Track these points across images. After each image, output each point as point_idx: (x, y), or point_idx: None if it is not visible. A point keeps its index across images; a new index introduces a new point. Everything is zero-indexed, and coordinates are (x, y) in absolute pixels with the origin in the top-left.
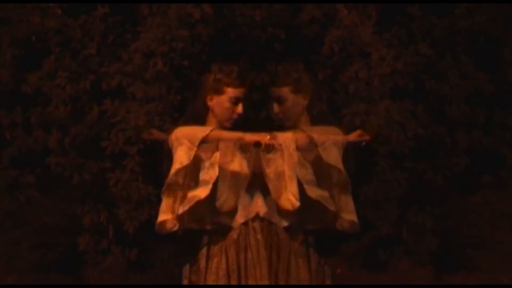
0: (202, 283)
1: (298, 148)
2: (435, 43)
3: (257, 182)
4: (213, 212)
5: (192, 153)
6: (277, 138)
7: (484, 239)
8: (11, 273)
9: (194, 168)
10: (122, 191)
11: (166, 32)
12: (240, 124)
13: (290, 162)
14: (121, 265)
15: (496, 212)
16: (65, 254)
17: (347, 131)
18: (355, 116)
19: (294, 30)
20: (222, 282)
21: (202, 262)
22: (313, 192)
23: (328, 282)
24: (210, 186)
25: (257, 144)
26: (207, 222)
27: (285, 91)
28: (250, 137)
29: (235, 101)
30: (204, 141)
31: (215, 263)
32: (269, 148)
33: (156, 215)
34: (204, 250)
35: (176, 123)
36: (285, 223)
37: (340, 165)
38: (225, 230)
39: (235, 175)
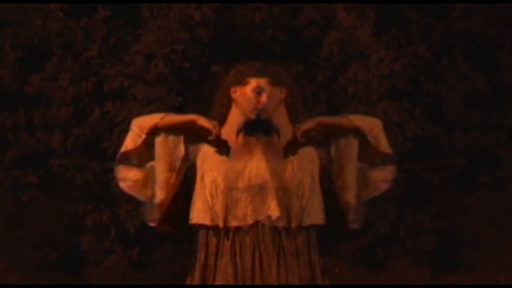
0: (211, 282)
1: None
2: (433, 45)
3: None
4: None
5: (140, 140)
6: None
7: (481, 238)
8: (14, 272)
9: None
10: (123, 191)
11: (167, 34)
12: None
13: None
14: (122, 264)
15: (492, 211)
16: (67, 254)
17: None
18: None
19: (293, 33)
20: (231, 280)
21: (211, 260)
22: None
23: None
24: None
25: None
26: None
27: (262, 82)
28: (202, 121)
29: (259, 91)
30: (157, 129)
31: (223, 262)
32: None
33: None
34: (213, 248)
35: None
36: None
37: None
38: (234, 229)
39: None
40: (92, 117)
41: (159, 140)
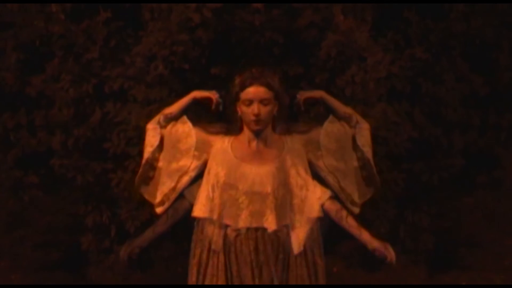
0: (202, 277)
1: None
2: (432, 46)
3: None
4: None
5: (158, 133)
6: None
7: (477, 238)
8: (15, 272)
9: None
10: (124, 191)
11: (167, 36)
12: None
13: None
14: (122, 263)
15: (490, 212)
16: (68, 253)
17: None
18: None
19: (292, 35)
20: (221, 274)
21: (204, 255)
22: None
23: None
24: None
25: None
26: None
27: (255, 90)
28: (201, 93)
29: (249, 103)
30: (168, 117)
31: (215, 259)
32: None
33: (156, 215)
34: (207, 243)
35: None
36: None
37: None
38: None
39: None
40: (93, 118)
41: (167, 131)
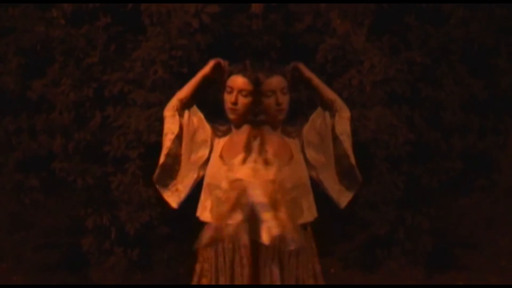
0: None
1: None
2: (431, 51)
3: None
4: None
5: (177, 120)
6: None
7: (475, 240)
8: (17, 273)
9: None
10: (123, 194)
11: (166, 41)
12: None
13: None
14: (123, 265)
15: (487, 214)
16: (69, 255)
17: None
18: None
19: (289, 39)
20: (213, 271)
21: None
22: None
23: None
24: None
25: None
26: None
27: (251, 87)
28: (209, 68)
29: (230, 91)
30: (184, 102)
31: (206, 253)
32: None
33: (156, 217)
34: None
35: None
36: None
37: None
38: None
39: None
40: (93, 122)
41: (185, 122)
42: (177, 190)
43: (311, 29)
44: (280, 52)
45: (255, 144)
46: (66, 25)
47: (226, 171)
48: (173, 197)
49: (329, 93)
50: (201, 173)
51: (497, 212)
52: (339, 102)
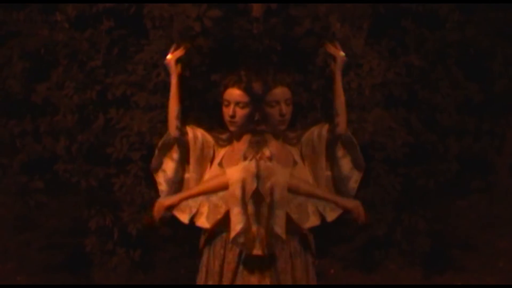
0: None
1: None
2: (427, 54)
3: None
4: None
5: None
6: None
7: (472, 240)
8: (21, 273)
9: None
10: (126, 195)
11: (168, 44)
12: None
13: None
14: (125, 265)
15: (484, 215)
16: (72, 255)
17: None
18: (348, 124)
19: (289, 42)
20: (216, 275)
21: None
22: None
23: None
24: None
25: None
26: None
27: (247, 98)
28: (172, 71)
29: (227, 104)
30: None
31: (206, 258)
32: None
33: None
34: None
35: None
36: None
37: None
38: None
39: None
40: (96, 124)
41: (191, 140)
42: (188, 206)
43: (311, 33)
44: (280, 55)
45: (255, 150)
46: (69, 29)
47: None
48: (184, 215)
49: (340, 104)
50: None
51: (495, 213)
52: (341, 118)
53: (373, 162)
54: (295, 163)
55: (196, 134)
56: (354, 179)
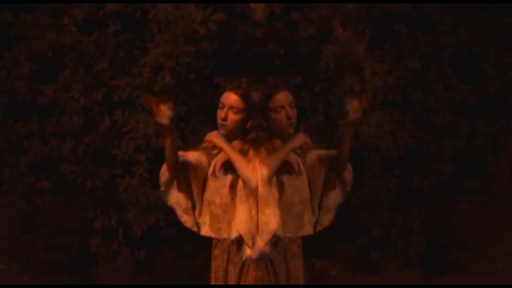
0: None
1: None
2: (421, 57)
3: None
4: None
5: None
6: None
7: (468, 241)
8: (27, 273)
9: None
10: (131, 196)
11: (174, 47)
12: None
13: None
14: (130, 265)
15: (478, 215)
16: (77, 255)
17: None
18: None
19: (292, 46)
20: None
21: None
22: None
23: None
24: None
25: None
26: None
27: (241, 104)
28: (167, 135)
29: (222, 106)
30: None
31: (215, 264)
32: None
33: (162, 219)
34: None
35: (182, 132)
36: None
37: None
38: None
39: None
40: (102, 126)
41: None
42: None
43: (313, 37)
44: (283, 59)
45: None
46: (76, 32)
47: (219, 188)
48: (195, 227)
49: (345, 157)
50: None
51: (494, 215)
52: (348, 167)
53: (368, 163)
54: (296, 171)
55: (187, 165)
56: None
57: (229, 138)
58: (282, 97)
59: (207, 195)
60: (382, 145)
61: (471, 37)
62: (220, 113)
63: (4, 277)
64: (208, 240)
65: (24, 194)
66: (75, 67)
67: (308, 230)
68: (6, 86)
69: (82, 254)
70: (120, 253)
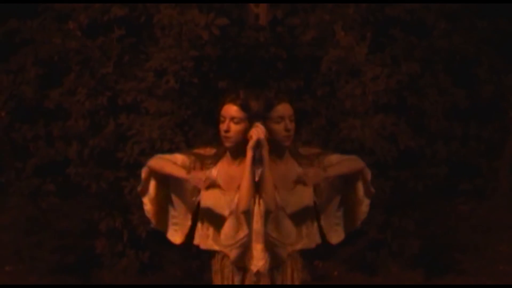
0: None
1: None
2: (416, 62)
3: None
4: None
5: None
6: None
7: (466, 242)
8: (33, 274)
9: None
10: (136, 198)
11: (178, 52)
12: None
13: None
14: (134, 266)
15: (475, 217)
16: (83, 256)
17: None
18: (351, 130)
19: (295, 50)
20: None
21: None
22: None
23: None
24: None
25: None
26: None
27: (241, 114)
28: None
29: (223, 120)
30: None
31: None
32: None
33: None
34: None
35: (186, 135)
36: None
37: None
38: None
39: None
40: (107, 129)
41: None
42: (176, 224)
43: (315, 41)
44: (286, 63)
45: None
46: (82, 37)
47: (229, 202)
48: (176, 235)
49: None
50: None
51: (491, 217)
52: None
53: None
54: (296, 184)
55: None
56: (365, 203)
57: (235, 151)
58: (283, 109)
59: (211, 208)
60: (377, 148)
61: (465, 42)
62: (222, 126)
63: (11, 278)
64: None
65: (30, 196)
66: (80, 71)
67: (307, 243)
68: (13, 90)
69: (88, 256)
70: (124, 255)
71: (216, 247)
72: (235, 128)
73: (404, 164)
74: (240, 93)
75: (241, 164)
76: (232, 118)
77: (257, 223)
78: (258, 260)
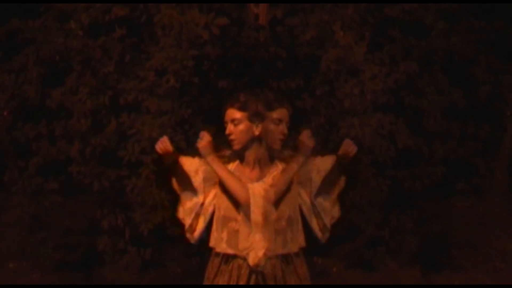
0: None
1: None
2: (414, 61)
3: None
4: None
5: None
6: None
7: (464, 240)
8: (36, 271)
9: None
10: (137, 196)
11: (178, 51)
12: None
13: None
14: (136, 264)
15: (472, 215)
16: (85, 254)
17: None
18: (350, 129)
19: (294, 50)
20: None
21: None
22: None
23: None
24: None
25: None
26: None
27: (241, 114)
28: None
29: (226, 125)
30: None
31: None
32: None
33: (168, 219)
34: (215, 269)
35: (186, 134)
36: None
37: None
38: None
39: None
40: (109, 128)
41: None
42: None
43: (315, 41)
44: (285, 62)
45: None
46: (83, 36)
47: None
48: (188, 234)
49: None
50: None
51: (489, 215)
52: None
53: (361, 165)
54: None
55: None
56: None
57: (243, 152)
58: (283, 113)
59: (224, 211)
60: (375, 147)
61: (463, 42)
62: (227, 131)
63: (14, 275)
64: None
65: (33, 195)
66: (82, 70)
67: (291, 247)
68: (15, 89)
69: (90, 253)
70: (126, 252)
71: (230, 251)
72: (236, 129)
73: (402, 163)
74: (240, 96)
75: (247, 159)
76: (232, 121)
77: (255, 213)
78: (257, 251)
